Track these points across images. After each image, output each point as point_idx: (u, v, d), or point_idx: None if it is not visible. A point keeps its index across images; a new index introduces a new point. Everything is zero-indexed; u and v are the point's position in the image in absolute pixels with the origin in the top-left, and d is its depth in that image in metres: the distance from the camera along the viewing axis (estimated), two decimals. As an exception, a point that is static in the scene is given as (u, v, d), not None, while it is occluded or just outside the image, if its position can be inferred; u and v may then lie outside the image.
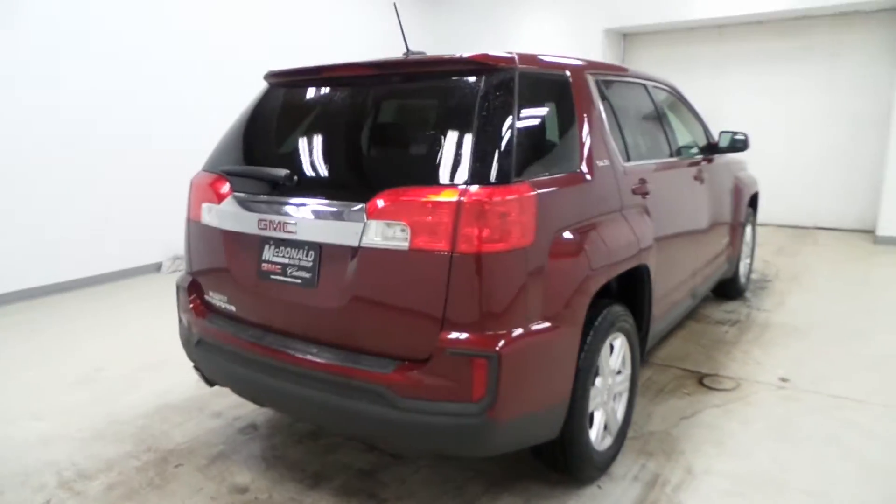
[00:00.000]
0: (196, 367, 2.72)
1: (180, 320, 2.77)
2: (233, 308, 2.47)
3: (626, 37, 9.41)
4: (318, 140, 2.41)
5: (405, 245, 1.96)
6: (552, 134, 2.35)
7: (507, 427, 2.01)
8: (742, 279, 5.08)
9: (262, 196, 2.33)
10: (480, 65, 2.16)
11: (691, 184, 3.63)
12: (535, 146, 2.20)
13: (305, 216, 2.17)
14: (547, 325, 2.07)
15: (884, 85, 7.61)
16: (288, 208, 2.22)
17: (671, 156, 3.46)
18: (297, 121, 2.57)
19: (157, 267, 6.46)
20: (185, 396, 3.42)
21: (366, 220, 2.02)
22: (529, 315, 2.01)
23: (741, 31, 8.50)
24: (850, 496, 2.43)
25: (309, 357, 2.16)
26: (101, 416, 3.20)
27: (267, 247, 2.31)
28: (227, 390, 3.35)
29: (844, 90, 7.95)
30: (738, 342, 4.16)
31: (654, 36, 9.18)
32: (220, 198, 2.45)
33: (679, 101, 4.03)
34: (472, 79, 2.16)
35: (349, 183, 2.28)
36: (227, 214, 2.41)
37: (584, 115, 2.51)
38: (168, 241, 6.46)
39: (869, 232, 7.74)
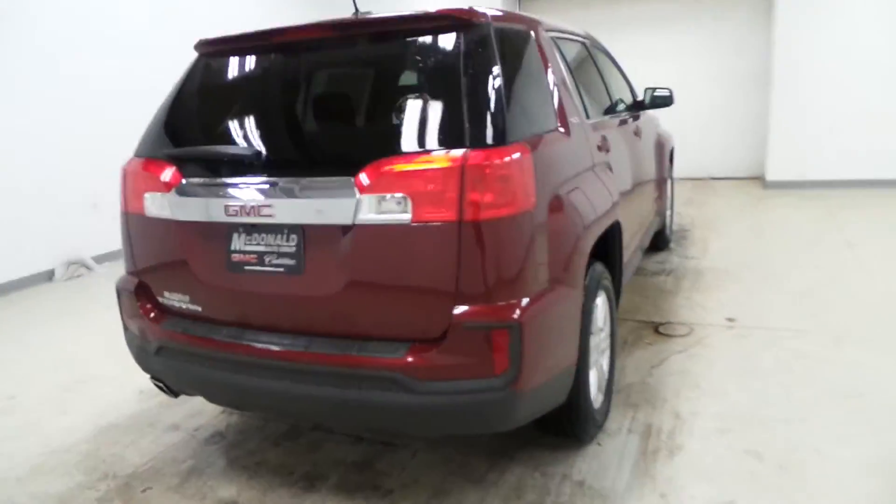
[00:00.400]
0: (155, 378, 2.41)
1: (127, 328, 2.44)
2: (197, 308, 2.20)
3: (522, 3, 9.48)
4: (279, 112, 2.18)
5: (406, 218, 1.81)
6: (529, 92, 2.26)
7: (530, 398, 1.94)
8: (667, 230, 5.32)
9: (224, 179, 2.07)
10: (455, 20, 2.02)
11: (633, 140, 3.70)
12: (519, 105, 2.10)
13: (283, 197, 1.95)
14: (556, 288, 2.01)
15: (762, 45, 8.19)
16: (260, 190, 1.99)
17: (612, 112, 3.49)
18: (247, 93, 2.30)
19: (49, 275, 5.76)
20: (128, 413, 3.07)
21: (358, 194, 1.84)
22: (540, 280, 1.94)
23: (632, -4, 8.83)
24: (826, 420, 2.60)
25: (303, 350, 1.97)
26: (32, 448, 2.79)
27: (236, 235, 2.07)
28: (175, 401, 3.08)
29: (727, 51, 8.50)
30: (678, 290, 4.35)
31: (550, 2, 9.31)
32: (168, 185, 2.16)
33: (607, 57, 4.08)
34: (449, 36, 2.01)
35: (328, 156, 2.07)
36: (181, 203, 2.13)
37: (552, 72, 2.45)
38: (59, 245, 5.78)
39: (758, 178, 8.40)
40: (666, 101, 4.30)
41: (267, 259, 2.02)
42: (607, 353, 2.71)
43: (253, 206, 1.97)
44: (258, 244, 2.03)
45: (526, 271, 1.88)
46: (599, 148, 2.74)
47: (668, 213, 5.46)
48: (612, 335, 2.75)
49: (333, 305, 1.96)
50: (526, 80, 2.22)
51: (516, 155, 1.85)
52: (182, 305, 2.24)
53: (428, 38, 2.05)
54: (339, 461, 2.51)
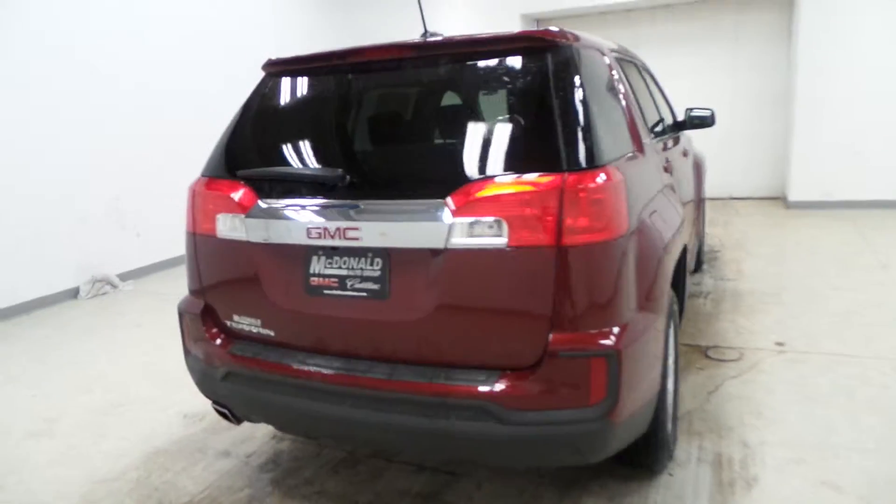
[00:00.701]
0: (218, 404, 2.35)
1: (189, 352, 2.38)
2: (270, 332, 2.15)
3: (541, 22, 9.54)
4: (361, 134, 2.14)
5: (502, 242, 1.76)
6: (611, 114, 2.23)
7: (623, 428, 1.88)
8: (702, 252, 5.27)
9: (306, 200, 2.03)
10: (542, 41, 1.99)
11: (683, 160, 3.67)
12: (605, 127, 2.07)
13: (370, 220, 1.90)
14: (644, 313, 1.96)
15: (781, 64, 8.22)
16: (345, 212, 1.94)
17: (663, 133, 3.47)
18: (323, 114, 2.26)
19: (74, 293, 5.70)
20: (174, 438, 3.00)
21: (451, 218, 1.80)
22: (632, 306, 1.89)
23: (650, 15, 8.87)
24: (897, 448, 2.54)
25: (386, 378, 1.91)
26: (77, 474, 2.71)
27: (315, 258, 2.02)
28: (223, 426, 3.01)
29: (746, 70, 8.52)
30: (718, 312, 4.29)
31: (570, 20, 9.37)
32: (244, 207, 2.11)
33: (652, 77, 4.06)
34: (537, 57, 1.98)
35: (415, 179, 2.02)
36: (258, 225, 2.08)
37: (623, 93, 2.42)
38: (83, 262, 5.73)
39: (779, 198, 8.38)
40: (705, 122, 4.27)
41: (349, 283, 1.96)
42: (671, 380, 2.65)
43: (337, 229, 1.92)
44: (339, 268, 1.98)
45: (620, 297, 1.83)
46: (665, 169, 2.71)
47: (703, 234, 5.43)
48: (676, 361, 2.69)
49: (419, 331, 1.90)
50: (606, 102, 2.19)
51: (611, 178, 1.81)
52: (253, 330, 2.18)
53: (515, 59, 2.01)
54: (403, 492, 2.44)
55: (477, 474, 2.50)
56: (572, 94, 1.90)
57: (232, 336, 2.25)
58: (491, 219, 1.77)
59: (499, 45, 2.03)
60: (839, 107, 7.41)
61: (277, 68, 2.36)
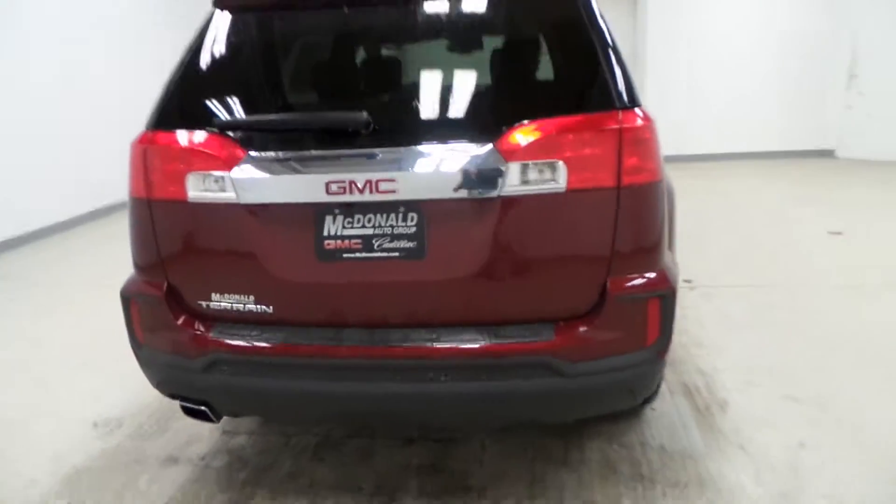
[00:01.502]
0: (190, 401, 1.95)
1: (142, 345, 1.95)
2: (266, 308, 1.82)
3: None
4: (383, 73, 1.86)
5: (560, 186, 1.65)
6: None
7: (664, 365, 1.89)
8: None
9: (318, 151, 1.72)
10: None
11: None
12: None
13: (405, 169, 1.66)
14: (670, 254, 1.97)
15: (628, 31, 8.92)
16: (374, 162, 1.67)
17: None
18: (324, 52, 1.93)
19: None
20: (93, 453, 2.48)
21: (504, 162, 1.63)
22: (666, 247, 1.89)
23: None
24: (828, 362, 2.90)
25: (431, 344, 1.72)
26: None
27: (330, 218, 1.73)
28: (149, 432, 2.58)
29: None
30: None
31: None
32: (226, 163, 1.74)
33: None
34: None
35: (456, 122, 1.79)
36: (251, 184, 1.72)
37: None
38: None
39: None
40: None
41: (376, 243, 1.72)
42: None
43: (368, 182, 1.65)
44: (363, 227, 1.72)
45: (663, 238, 1.82)
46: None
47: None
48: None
49: (464, 289, 1.73)
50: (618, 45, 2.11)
51: (649, 118, 1.77)
52: (242, 308, 1.83)
53: None
54: (404, 466, 2.27)
55: (476, 438, 2.40)
56: (606, 32, 1.80)
57: (209, 319, 1.88)
58: (548, 161, 1.64)
59: None
60: (685, 70, 8.29)
61: (245, 2, 1.95)
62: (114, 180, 4.11)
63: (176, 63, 1.94)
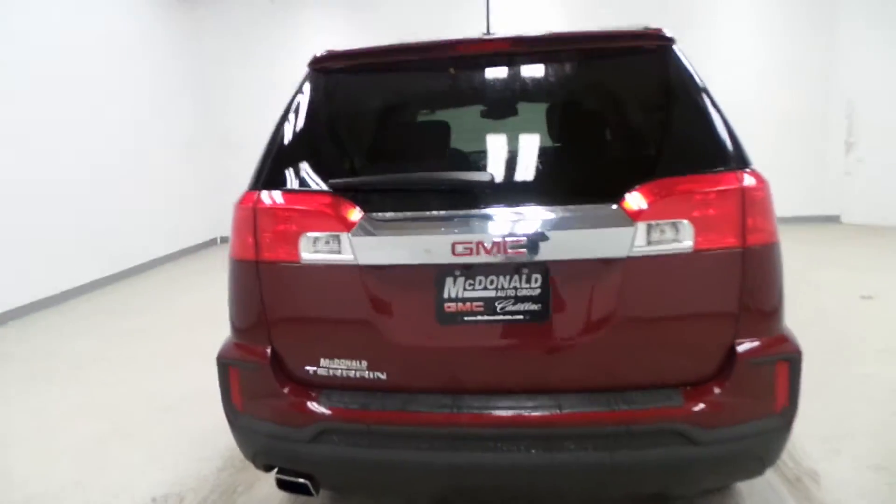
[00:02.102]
0: (289, 474, 1.85)
1: (240, 414, 1.86)
2: (380, 375, 1.76)
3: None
4: (497, 134, 1.87)
5: (688, 246, 1.64)
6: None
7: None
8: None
9: (440, 212, 1.70)
10: (664, 38, 1.89)
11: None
12: None
13: (531, 230, 1.65)
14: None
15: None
16: (501, 222, 1.66)
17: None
18: (433, 110, 1.95)
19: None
20: None
21: (632, 222, 1.63)
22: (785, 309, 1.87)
23: None
24: None
25: (555, 412, 1.65)
26: None
27: (450, 280, 1.70)
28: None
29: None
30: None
31: None
32: (346, 223, 1.72)
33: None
34: (666, 54, 1.86)
35: (576, 181, 1.79)
36: (372, 244, 1.70)
37: None
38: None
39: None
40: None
41: (498, 306, 1.68)
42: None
43: (495, 243, 1.63)
44: (485, 289, 1.69)
45: (783, 301, 1.80)
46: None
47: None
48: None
49: (589, 353, 1.68)
50: None
51: (763, 178, 1.78)
52: (354, 374, 1.77)
53: (646, 56, 1.90)
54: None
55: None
56: (708, 91, 1.85)
57: (316, 386, 1.81)
58: (675, 221, 1.64)
59: (621, 42, 1.92)
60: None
61: (348, 63, 1.98)
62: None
63: (276, 121, 1.95)
